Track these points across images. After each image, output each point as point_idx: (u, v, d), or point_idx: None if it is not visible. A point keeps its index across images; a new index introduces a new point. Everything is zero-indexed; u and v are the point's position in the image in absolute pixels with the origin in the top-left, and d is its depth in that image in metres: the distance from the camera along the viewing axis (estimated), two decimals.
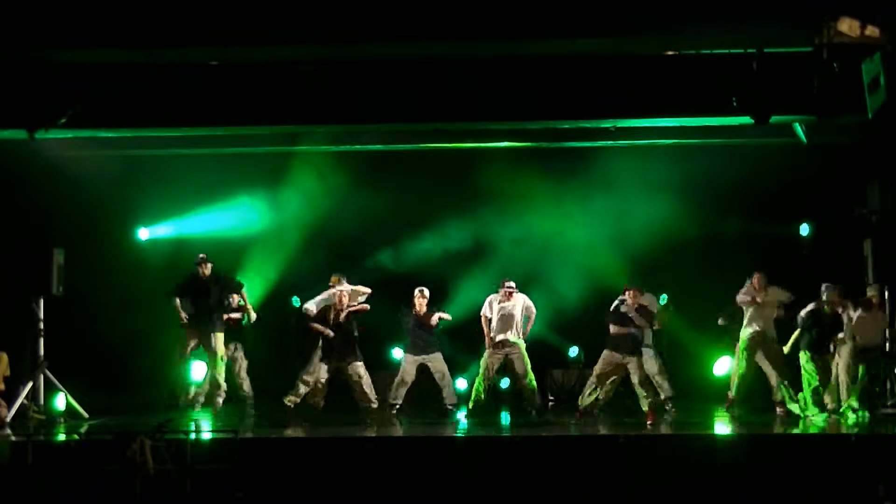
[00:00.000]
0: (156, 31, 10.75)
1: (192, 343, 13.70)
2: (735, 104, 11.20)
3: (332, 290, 13.63)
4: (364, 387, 13.18)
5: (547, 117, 12.74)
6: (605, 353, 12.90)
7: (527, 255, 15.74)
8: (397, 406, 13.54)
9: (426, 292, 13.76)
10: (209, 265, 13.82)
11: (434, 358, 13.62)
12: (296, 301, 14.66)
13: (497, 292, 13.59)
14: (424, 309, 13.69)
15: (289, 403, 13.17)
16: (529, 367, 13.35)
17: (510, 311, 13.40)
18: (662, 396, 13.49)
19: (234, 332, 14.34)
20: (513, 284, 13.57)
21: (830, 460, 10.67)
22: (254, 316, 14.27)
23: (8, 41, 10.81)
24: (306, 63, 11.74)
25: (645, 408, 12.67)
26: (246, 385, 14.32)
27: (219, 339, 13.60)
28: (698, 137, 14.22)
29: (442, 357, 13.68)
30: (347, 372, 13.17)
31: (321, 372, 13.16)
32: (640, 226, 15.51)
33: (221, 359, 13.60)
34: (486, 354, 13.42)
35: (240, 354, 14.43)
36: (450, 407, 13.53)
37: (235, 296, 14.20)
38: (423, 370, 13.74)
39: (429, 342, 13.65)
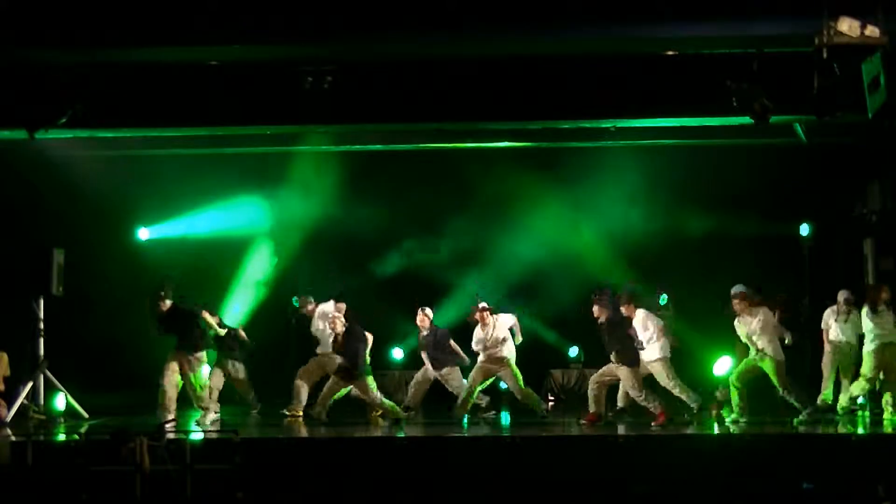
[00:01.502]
0: (156, 31, 10.75)
1: (177, 368, 13.12)
2: (735, 104, 11.20)
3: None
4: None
5: (547, 117, 12.74)
6: None
7: (527, 255, 15.74)
8: (407, 407, 13.58)
9: (427, 311, 13.74)
10: (167, 302, 13.16)
11: (449, 374, 13.58)
12: (296, 302, 14.65)
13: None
14: (427, 325, 13.68)
15: (291, 416, 13.25)
16: (521, 379, 13.19)
17: (494, 334, 13.12)
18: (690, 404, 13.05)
19: (227, 349, 14.20)
20: (485, 305, 13.18)
21: (830, 460, 10.68)
22: (221, 332, 13.93)
23: (8, 41, 10.81)
24: (306, 63, 11.74)
25: (656, 411, 12.55)
26: (252, 394, 14.28)
27: (200, 358, 13.17)
28: (698, 137, 14.21)
29: (459, 372, 13.60)
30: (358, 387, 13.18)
31: (332, 384, 13.13)
32: (640, 226, 15.53)
33: (198, 380, 13.14)
34: (475, 367, 13.27)
35: (240, 367, 14.33)
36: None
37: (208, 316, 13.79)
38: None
39: (445, 359, 13.62)
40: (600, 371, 12.85)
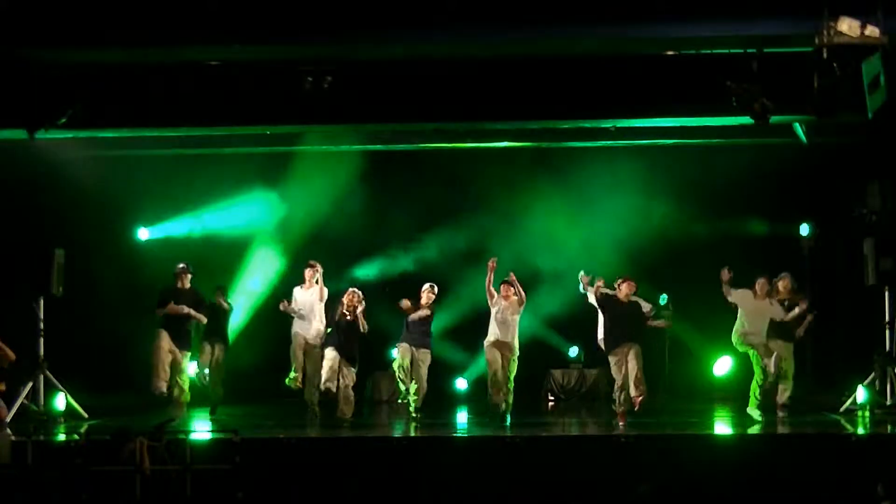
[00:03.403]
0: (155, 31, 10.75)
1: (172, 356, 13.50)
2: (735, 104, 11.19)
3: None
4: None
5: (547, 117, 12.74)
6: None
7: (527, 255, 15.74)
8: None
9: (435, 289, 13.60)
10: (188, 276, 13.40)
11: (424, 355, 13.50)
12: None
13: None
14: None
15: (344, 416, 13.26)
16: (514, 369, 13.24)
17: (510, 315, 13.22)
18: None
19: (219, 335, 14.26)
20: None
21: (830, 460, 10.68)
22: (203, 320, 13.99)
23: (8, 41, 10.81)
24: (306, 63, 11.74)
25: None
26: (219, 388, 14.21)
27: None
28: (698, 137, 14.21)
29: (429, 358, 13.54)
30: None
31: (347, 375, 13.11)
32: (640, 225, 15.53)
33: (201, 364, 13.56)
34: (486, 352, 13.35)
35: (221, 356, 14.32)
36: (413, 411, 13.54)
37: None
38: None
39: (426, 341, 13.54)
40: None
